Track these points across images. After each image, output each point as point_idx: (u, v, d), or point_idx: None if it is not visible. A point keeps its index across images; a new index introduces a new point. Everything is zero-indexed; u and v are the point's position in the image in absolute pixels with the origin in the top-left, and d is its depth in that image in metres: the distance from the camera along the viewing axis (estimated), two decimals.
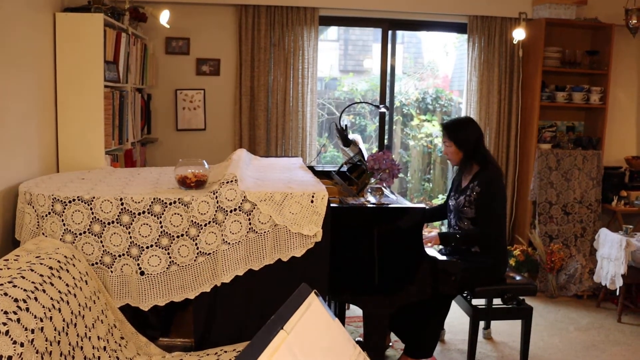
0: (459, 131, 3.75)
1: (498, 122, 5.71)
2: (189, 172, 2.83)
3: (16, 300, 1.95)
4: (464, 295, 3.82)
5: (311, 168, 4.09)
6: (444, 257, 3.51)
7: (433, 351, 3.65)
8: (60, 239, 2.63)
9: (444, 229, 5.70)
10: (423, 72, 8.51)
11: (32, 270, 2.18)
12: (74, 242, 2.63)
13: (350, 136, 4.03)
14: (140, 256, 2.66)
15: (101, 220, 2.64)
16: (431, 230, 3.99)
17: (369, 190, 3.33)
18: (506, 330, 4.49)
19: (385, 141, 5.96)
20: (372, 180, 3.47)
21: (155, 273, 2.67)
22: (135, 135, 4.67)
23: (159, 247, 2.67)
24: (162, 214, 2.66)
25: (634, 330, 4.64)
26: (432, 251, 3.50)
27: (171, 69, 5.37)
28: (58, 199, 2.65)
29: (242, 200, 2.67)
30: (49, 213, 2.65)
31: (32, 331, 1.92)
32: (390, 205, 3.21)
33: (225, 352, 2.51)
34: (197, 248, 2.67)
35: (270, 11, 5.30)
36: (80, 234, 2.64)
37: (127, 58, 4.33)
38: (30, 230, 2.69)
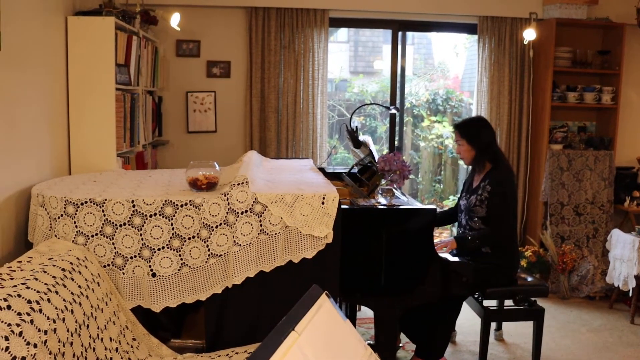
0: (471, 129, 3.75)
1: (509, 122, 5.69)
2: (200, 174, 2.84)
3: (29, 301, 1.97)
4: (475, 296, 3.80)
5: (322, 169, 4.09)
6: (454, 258, 3.50)
7: (444, 352, 3.64)
8: (73, 241, 2.65)
9: (455, 230, 5.68)
10: (433, 73, 8.50)
11: (44, 272, 2.20)
12: (86, 244, 2.65)
13: (361, 137, 4.03)
14: (151, 258, 2.67)
15: (113, 222, 2.66)
16: (442, 232, 3.97)
17: (380, 192, 3.33)
18: (518, 332, 4.47)
19: (396, 142, 5.95)
20: (383, 181, 3.47)
21: (166, 275, 2.68)
22: (146, 137, 4.69)
23: (171, 249, 2.68)
24: (174, 215, 2.67)
25: None
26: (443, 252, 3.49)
27: (182, 72, 5.39)
28: (70, 202, 2.67)
29: (253, 202, 2.68)
30: (62, 215, 2.67)
31: (45, 332, 1.93)
32: (401, 207, 3.20)
33: (237, 353, 2.52)
34: (208, 250, 2.68)
35: (280, 13, 5.31)
36: (92, 236, 2.66)
37: (138, 61, 4.36)
38: (43, 232, 2.71)
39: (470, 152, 3.73)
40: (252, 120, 5.38)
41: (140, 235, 2.67)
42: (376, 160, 3.53)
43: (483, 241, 3.59)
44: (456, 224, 4.08)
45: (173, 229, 2.68)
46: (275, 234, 2.69)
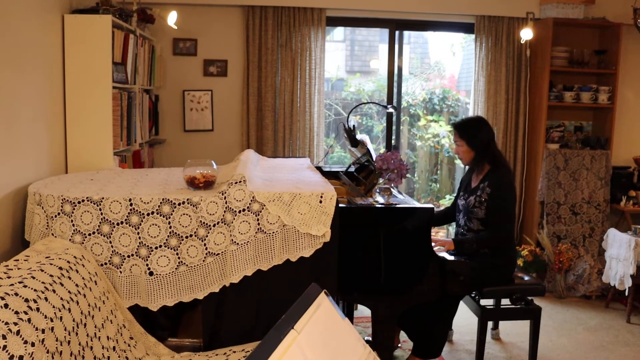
0: (470, 130, 3.73)
1: (505, 122, 5.69)
2: (197, 172, 2.84)
3: (27, 300, 1.96)
4: (472, 295, 3.81)
5: (319, 168, 4.09)
6: (452, 257, 3.50)
7: (441, 351, 3.64)
8: (70, 240, 2.64)
9: (452, 230, 5.69)
10: (430, 72, 8.51)
11: (42, 270, 2.19)
12: (83, 243, 2.64)
13: (358, 136, 4.03)
14: (149, 256, 2.67)
15: (110, 221, 2.65)
16: (438, 231, 3.96)
17: (378, 191, 3.33)
18: (514, 331, 4.48)
19: (393, 141, 5.96)
20: (381, 180, 3.47)
21: (164, 273, 2.68)
22: (143, 136, 4.68)
23: (168, 248, 2.67)
24: (171, 214, 2.67)
25: None
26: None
27: (179, 70, 5.38)
28: (67, 200, 2.66)
29: (251, 200, 2.67)
30: (59, 214, 2.66)
31: (43, 331, 1.93)
32: (398, 206, 3.20)
33: (234, 352, 2.51)
34: (206, 248, 2.68)
35: (277, 12, 5.31)
36: (89, 235, 2.65)
37: (135, 59, 4.35)
38: (40, 230, 2.70)
39: (469, 153, 3.72)
40: (249, 119, 5.37)
41: (138, 233, 2.66)
42: (373, 159, 3.53)
43: (482, 245, 3.59)
44: (454, 223, 4.08)
45: (170, 227, 2.67)
46: (273, 232, 2.69)
